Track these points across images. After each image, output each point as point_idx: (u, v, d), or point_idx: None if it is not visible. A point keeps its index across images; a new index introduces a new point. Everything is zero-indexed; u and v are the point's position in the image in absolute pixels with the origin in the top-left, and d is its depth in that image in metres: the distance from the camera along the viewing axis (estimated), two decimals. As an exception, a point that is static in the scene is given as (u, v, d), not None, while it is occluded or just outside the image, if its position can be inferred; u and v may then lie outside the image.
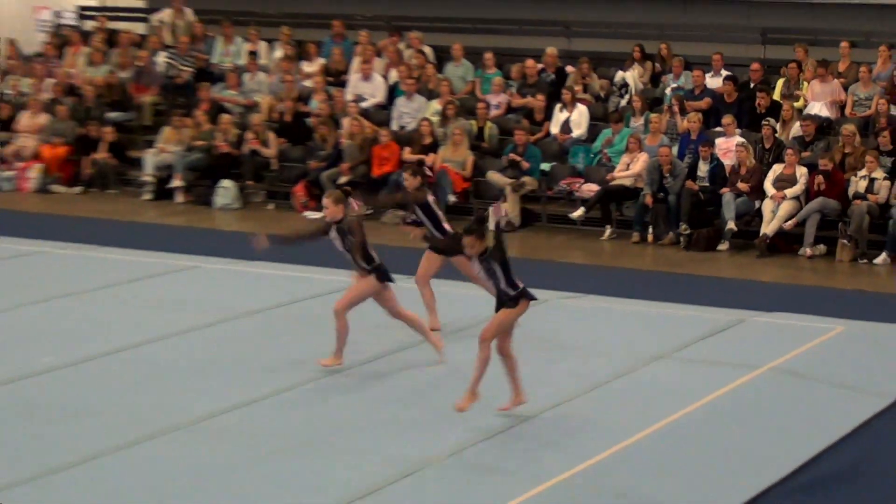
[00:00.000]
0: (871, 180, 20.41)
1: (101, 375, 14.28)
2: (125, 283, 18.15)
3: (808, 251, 20.46)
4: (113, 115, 26.23)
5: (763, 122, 21.82)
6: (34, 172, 25.57)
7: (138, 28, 29.15)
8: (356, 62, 25.44)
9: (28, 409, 13.13)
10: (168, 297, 17.48)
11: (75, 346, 15.16)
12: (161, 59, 27.04)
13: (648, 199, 21.40)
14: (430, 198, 15.80)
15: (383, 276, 14.25)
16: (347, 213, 14.22)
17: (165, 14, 28.02)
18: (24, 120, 26.25)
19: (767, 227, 20.68)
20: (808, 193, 20.63)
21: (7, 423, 12.82)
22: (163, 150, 24.92)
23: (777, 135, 21.67)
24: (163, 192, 24.61)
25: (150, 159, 24.94)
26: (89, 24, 29.64)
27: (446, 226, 15.69)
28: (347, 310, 14.20)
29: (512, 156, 22.72)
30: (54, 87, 26.76)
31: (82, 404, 13.30)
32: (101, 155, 25.30)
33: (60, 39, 28.86)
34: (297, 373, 14.01)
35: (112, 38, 28.05)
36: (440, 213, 15.80)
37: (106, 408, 13.22)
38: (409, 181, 15.95)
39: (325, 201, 14.20)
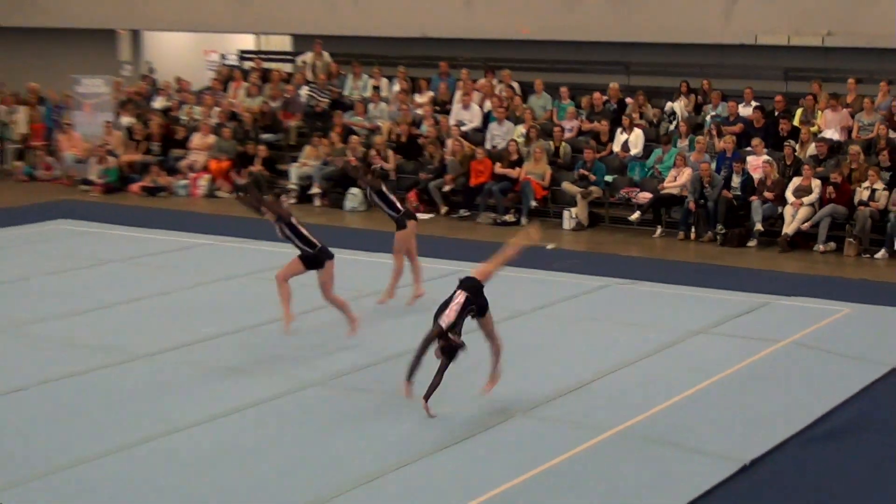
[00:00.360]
0: (873, 191, 20.29)
1: (252, 342, 14.33)
2: (270, 269, 18.18)
3: (821, 248, 20.30)
4: (266, 136, 26.35)
5: (785, 144, 21.70)
6: (203, 181, 25.74)
7: (286, 67, 29.24)
8: (458, 94, 25.42)
9: (196, 367, 13.22)
10: (305, 280, 17.48)
11: (231, 319, 15.22)
12: (304, 91, 27.13)
13: (692, 205, 21.25)
14: (384, 186, 16.12)
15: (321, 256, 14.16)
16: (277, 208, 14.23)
17: (308, 56, 28.12)
18: (196, 140, 26.43)
19: (788, 228, 20.53)
20: (822, 201, 20.52)
21: (181, 378, 12.90)
22: (304, 164, 25.01)
23: (796, 153, 21.47)
24: (304, 197, 24.70)
25: (295, 171, 25.04)
26: (248, 64, 29.79)
27: (399, 206, 16.15)
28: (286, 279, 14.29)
29: (582, 171, 22.64)
30: (220, 114, 26.91)
31: (237, 364, 13.37)
32: (256, 168, 25.41)
33: (225, 76, 29.02)
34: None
35: (265, 75, 28.19)
36: (392, 197, 16.13)
37: (255, 367, 13.26)
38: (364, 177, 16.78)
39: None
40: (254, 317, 15.33)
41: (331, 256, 14.29)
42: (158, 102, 28.46)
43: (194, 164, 26.10)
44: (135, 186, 26.01)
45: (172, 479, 10.10)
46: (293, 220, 14.24)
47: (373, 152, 24.38)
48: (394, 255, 16.15)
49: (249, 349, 13.97)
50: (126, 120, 27.67)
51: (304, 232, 14.22)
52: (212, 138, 26.29)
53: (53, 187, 26.69)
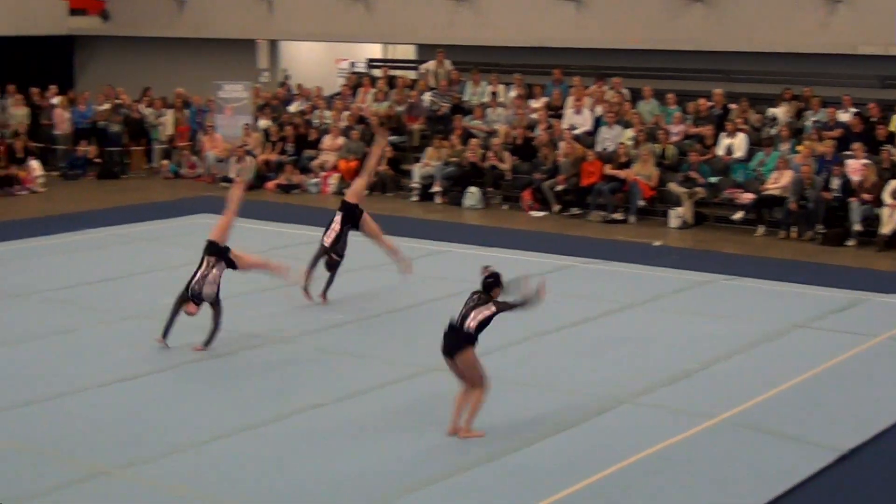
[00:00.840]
0: (967, 193, 19.76)
1: (375, 329, 14.33)
2: (391, 263, 18.22)
3: (917, 247, 19.80)
4: (391, 138, 26.40)
5: (882, 148, 21.19)
6: (333, 180, 25.87)
7: (411, 74, 29.29)
8: (570, 100, 25.23)
9: (325, 352, 13.24)
10: (425, 273, 17.49)
11: (356, 308, 15.25)
12: (427, 97, 27.13)
13: (793, 205, 20.82)
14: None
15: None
16: None
17: (431, 64, 28.12)
18: (327, 141, 26.58)
19: (885, 229, 20.02)
20: (918, 203, 19.97)
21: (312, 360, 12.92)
22: (426, 164, 25.01)
23: (893, 158, 20.91)
24: (426, 195, 24.69)
25: (417, 171, 25.06)
26: (375, 72, 29.90)
27: None
28: None
29: (690, 173, 22.32)
30: (349, 117, 27.02)
31: (359, 349, 13.37)
32: (382, 167, 25.48)
33: (354, 82, 29.16)
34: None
35: (392, 82, 28.25)
36: None
37: (378, 353, 13.23)
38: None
39: None
40: (377, 306, 15.37)
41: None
42: (293, 106, 28.68)
43: (325, 163, 26.27)
44: (270, 184, 26.24)
45: (299, 457, 10.13)
46: None
47: (490, 154, 24.32)
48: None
49: (373, 335, 13.98)
50: (263, 123, 27.93)
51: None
52: (341, 140, 26.43)
53: (196, 184, 27.04)
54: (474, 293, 10.61)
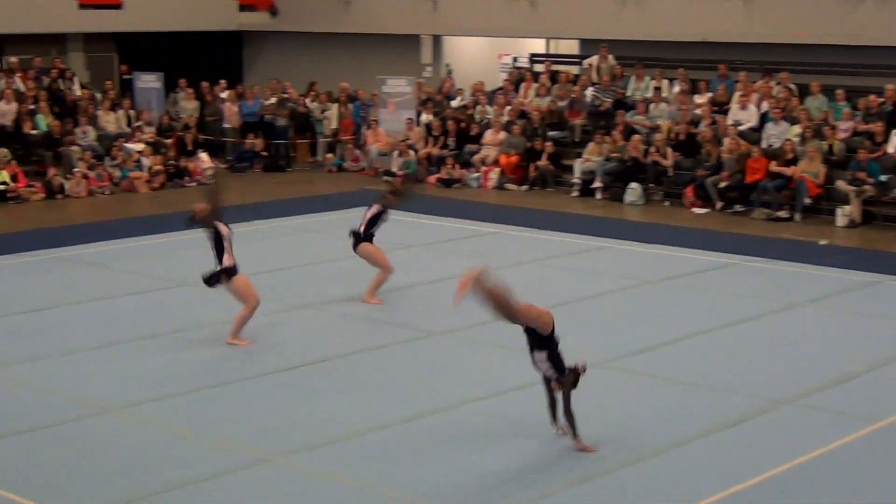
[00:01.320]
0: None
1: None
2: (558, 256, 18.31)
3: None
4: (552, 133, 26.47)
5: None
6: (494, 174, 26.04)
7: (573, 69, 29.27)
8: (736, 96, 24.92)
9: (480, 346, 13.38)
10: (587, 268, 17.54)
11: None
12: (589, 92, 27.10)
13: (966, 205, 20.23)
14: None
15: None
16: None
17: (593, 59, 28.06)
18: (489, 136, 26.76)
19: None
20: None
21: (468, 354, 13.08)
22: (587, 160, 25.00)
23: None
24: (586, 190, 24.67)
25: (578, 166, 25.06)
26: (538, 67, 29.94)
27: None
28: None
29: (858, 174, 21.86)
30: (510, 112, 27.16)
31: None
32: (543, 162, 25.57)
33: (516, 78, 29.27)
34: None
35: (554, 77, 28.28)
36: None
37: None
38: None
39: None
40: (537, 299, 15.38)
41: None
42: (456, 101, 28.94)
43: (486, 158, 26.45)
44: (432, 178, 26.54)
45: (452, 450, 10.30)
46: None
47: (652, 150, 24.20)
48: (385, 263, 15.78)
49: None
50: (426, 117, 28.26)
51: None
52: (503, 135, 26.58)
53: (359, 177, 27.48)
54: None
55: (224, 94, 29.83)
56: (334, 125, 29.38)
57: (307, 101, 29.70)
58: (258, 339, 13.68)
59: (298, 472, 9.73)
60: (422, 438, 10.54)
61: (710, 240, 19.76)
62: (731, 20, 26.87)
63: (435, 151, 27.26)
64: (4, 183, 23.92)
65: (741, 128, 24.05)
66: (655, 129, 25.20)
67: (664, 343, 13.49)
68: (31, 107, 26.72)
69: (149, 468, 9.83)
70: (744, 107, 24.55)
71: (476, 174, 26.29)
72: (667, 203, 23.80)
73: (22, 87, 27.51)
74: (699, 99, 25.59)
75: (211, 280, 13.46)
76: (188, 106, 29.30)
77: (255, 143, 28.73)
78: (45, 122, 26.44)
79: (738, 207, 22.85)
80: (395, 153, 27.17)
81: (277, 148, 29.11)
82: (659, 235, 19.99)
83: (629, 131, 25.13)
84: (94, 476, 9.68)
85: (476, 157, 26.58)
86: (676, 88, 26.13)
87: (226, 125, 29.42)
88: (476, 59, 33.16)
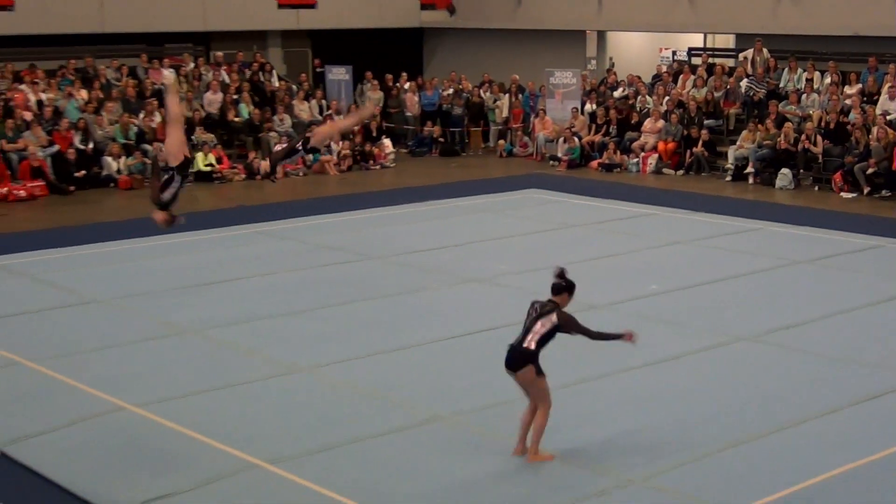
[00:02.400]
0: None
1: (690, 299, 14.26)
2: (713, 237, 18.03)
3: None
4: (708, 121, 26.00)
5: None
6: (652, 160, 25.73)
7: (729, 62, 28.70)
8: (885, 87, 24.11)
9: (643, 318, 13.31)
10: (740, 248, 17.22)
11: (674, 278, 15.22)
12: (743, 83, 26.53)
13: None
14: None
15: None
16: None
17: (749, 52, 27.44)
18: (648, 124, 26.43)
19: None
20: None
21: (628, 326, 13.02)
22: (741, 147, 24.52)
23: None
24: (739, 175, 24.20)
25: (732, 152, 24.60)
26: (695, 60, 29.44)
27: None
28: None
29: None
30: (669, 102, 26.77)
31: (677, 317, 13.33)
32: (699, 149, 25.16)
33: (675, 70, 28.84)
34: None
35: (710, 69, 27.76)
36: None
37: (693, 321, 13.19)
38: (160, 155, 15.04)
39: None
40: (693, 277, 15.27)
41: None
42: (617, 92, 28.66)
43: (645, 144, 26.16)
44: (594, 163, 26.36)
45: (613, 415, 10.26)
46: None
47: (803, 138, 23.60)
48: None
49: (687, 306, 13.93)
50: (590, 107, 28.06)
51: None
52: (661, 123, 26.22)
53: (527, 162, 27.47)
54: (536, 302, 9.17)
55: (406, 86, 30.13)
56: (505, 114, 29.39)
57: (481, 91, 29.77)
58: (431, 307, 13.80)
59: (470, 431, 9.81)
60: (583, 403, 10.51)
61: (858, 223, 19.19)
62: (881, 14, 25.98)
63: (597, 138, 27.07)
64: (210, 165, 24.64)
65: (889, 117, 23.26)
66: (807, 118, 24.55)
67: (813, 319, 13.19)
68: (235, 96, 27.37)
69: (336, 423, 10.03)
70: (892, 97, 23.74)
71: (635, 159, 26.03)
72: (816, 188, 23.19)
73: (227, 78, 28.22)
74: (849, 90, 24.84)
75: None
76: (373, 96, 29.65)
77: (433, 130, 28.97)
78: (246, 110, 27.07)
79: (884, 192, 22.12)
80: (561, 140, 27.07)
81: (453, 135, 29.28)
82: (808, 218, 19.50)
83: (781, 120, 24.55)
84: (289, 428, 9.92)
85: (636, 144, 26.31)
86: (827, 80, 25.40)
87: (407, 114, 29.74)
88: (637, 52, 32.79)
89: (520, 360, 8.86)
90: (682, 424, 9.97)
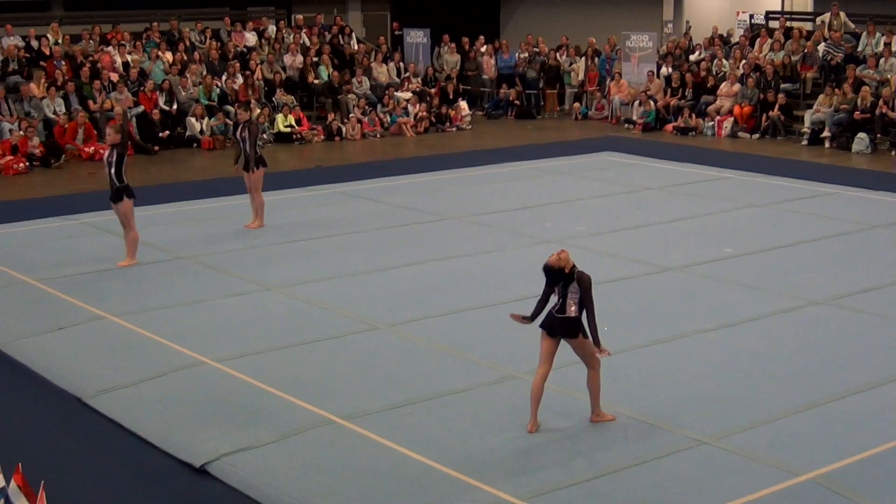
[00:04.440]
0: None
1: (765, 263, 14.03)
2: (788, 200, 17.70)
3: None
4: (784, 85, 25.50)
5: None
6: (728, 123, 25.33)
7: (806, 25, 28.12)
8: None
9: (718, 281, 13.12)
10: (815, 212, 16.89)
11: (749, 241, 14.98)
12: (821, 47, 25.97)
13: None
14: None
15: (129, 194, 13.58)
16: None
17: (826, 16, 26.87)
18: (724, 88, 25.98)
19: None
20: None
21: (706, 289, 12.84)
22: (818, 111, 24.02)
23: None
24: (815, 140, 23.73)
25: (808, 116, 24.11)
26: (773, 23, 28.88)
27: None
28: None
29: None
30: (745, 66, 26.28)
31: (752, 281, 13.13)
32: (775, 113, 24.71)
33: (753, 33, 28.31)
34: None
35: (787, 32, 27.21)
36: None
37: (767, 284, 12.97)
38: (241, 115, 15.78)
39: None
40: (768, 240, 15.01)
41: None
42: (694, 56, 28.22)
43: (721, 108, 25.74)
44: (669, 126, 26.03)
45: (686, 376, 10.13)
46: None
47: (880, 103, 23.03)
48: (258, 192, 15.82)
49: (762, 269, 13.70)
50: (665, 70, 27.67)
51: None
52: (737, 87, 25.77)
53: (602, 125, 27.21)
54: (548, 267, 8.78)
55: (483, 49, 29.93)
56: (581, 77, 29.09)
57: (557, 55, 29.49)
58: (509, 267, 13.73)
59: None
60: (656, 364, 10.39)
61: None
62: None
63: (673, 102, 26.69)
64: (291, 126, 24.70)
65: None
66: (884, 82, 23.97)
67: (889, 283, 12.90)
68: (315, 59, 27.41)
69: (413, 379, 10.02)
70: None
71: (711, 123, 25.63)
72: (893, 153, 22.66)
73: (307, 41, 28.25)
74: (929, 54, 24.21)
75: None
76: (451, 59, 29.50)
77: (509, 92, 28.78)
78: (326, 72, 27.09)
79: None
80: (636, 103, 26.74)
81: (529, 97, 29.07)
82: (885, 183, 19.07)
83: (858, 84, 23.99)
84: (365, 384, 9.93)
85: (711, 108, 25.90)
86: (906, 44, 24.77)
87: (484, 76, 29.56)
88: (714, 16, 32.25)
89: (572, 328, 8.74)
90: (756, 386, 9.81)
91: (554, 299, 8.82)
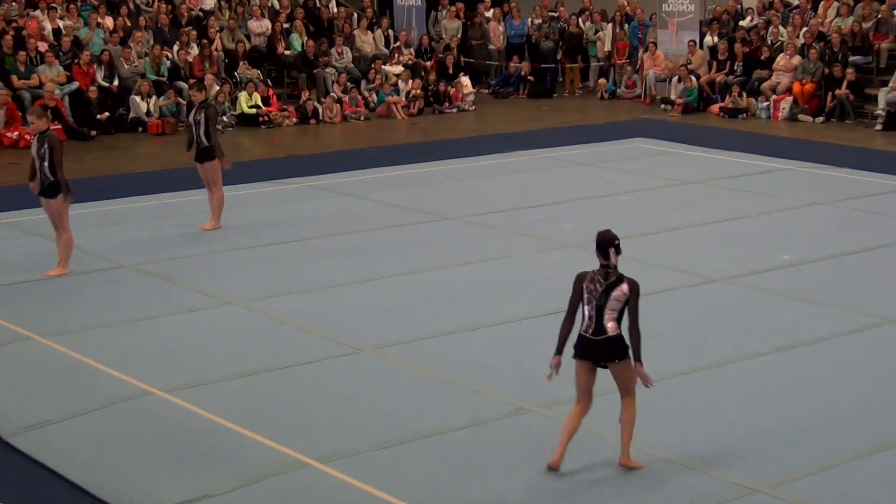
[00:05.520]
0: None
1: (828, 273, 14.05)
2: (859, 197, 17.73)
3: None
4: (854, 58, 25.56)
5: None
6: (786, 104, 25.41)
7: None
8: None
9: (774, 295, 13.13)
10: (888, 210, 16.92)
11: (809, 248, 15.00)
12: (897, 11, 26.11)
13: None
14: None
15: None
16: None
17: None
18: (781, 61, 26.06)
19: None
20: None
21: (758, 304, 12.87)
22: (893, 89, 24.09)
23: None
24: (892, 123, 23.77)
25: (883, 96, 24.20)
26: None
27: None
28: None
29: None
30: (807, 34, 26.36)
31: (813, 294, 13.15)
32: (842, 91, 24.78)
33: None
34: None
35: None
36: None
37: (831, 299, 12.98)
38: (195, 95, 16.07)
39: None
40: (835, 245, 15.03)
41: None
42: (744, 21, 28.29)
43: (777, 85, 25.80)
44: (714, 107, 26.09)
45: (735, 409, 10.12)
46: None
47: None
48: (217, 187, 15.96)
49: (826, 280, 13.71)
50: (710, 39, 27.73)
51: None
52: (797, 59, 25.84)
53: (634, 105, 27.27)
54: (587, 274, 8.82)
55: (489, 14, 29.98)
56: (608, 48, 29.16)
57: (579, 20, 29.55)
58: (519, 277, 13.74)
59: (560, 425, 9.72)
60: (700, 395, 10.39)
61: None
62: None
63: (719, 78, 26.75)
64: (257, 107, 24.71)
65: None
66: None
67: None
68: (285, 25, 27.44)
69: (402, 415, 10.00)
70: None
71: (765, 103, 25.70)
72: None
73: (276, 4, 28.28)
74: None
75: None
76: (450, 26, 29.57)
77: (520, 66, 28.83)
78: (299, 41, 27.14)
79: None
80: (675, 79, 26.79)
81: (545, 72, 29.12)
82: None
83: (944, 56, 24.08)
84: (345, 421, 9.91)
85: (766, 85, 25.96)
86: None
87: (490, 47, 29.62)
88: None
89: (616, 348, 8.71)
90: (819, 423, 9.82)
91: (585, 316, 8.75)
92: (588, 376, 8.82)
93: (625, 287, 8.70)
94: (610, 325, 8.68)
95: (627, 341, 8.73)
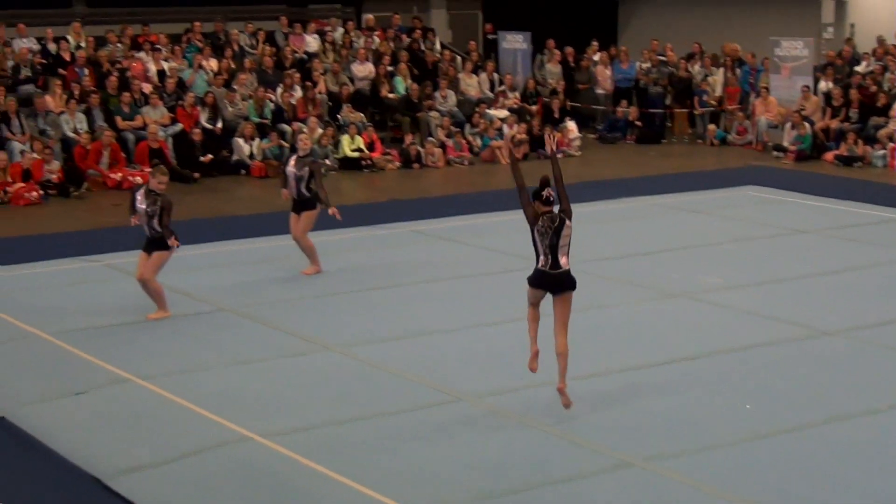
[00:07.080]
0: None
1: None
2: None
3: None
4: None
5: None
6: (909, 152, 25.13)
7: None
8: None
9: (884, 350, 12.92)
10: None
11: None
12: None
13: None
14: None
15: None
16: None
17: None
18: (899, 107, 25.78)
19: None
20: None
21: (874, 359, 12.67)
22: None
23: None
24: None
25: None
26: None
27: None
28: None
29: None
30: (925, 80, 26.06)
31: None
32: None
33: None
34: None
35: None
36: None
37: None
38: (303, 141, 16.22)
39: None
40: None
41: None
42: (861, 67, 28.00)
43: (894, 133, 25.47)
44: (829, 155, 25.80)
45: (854, 472, 9.91)
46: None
47: None
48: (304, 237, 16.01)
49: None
50: (825, 85, 27.48)
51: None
52: (915, 106, 25.53)
53: (744, 152, 27.06)
54: (540, 223, 10.58)
55: (596, 57, 30.00)
56: (718, 92, 29.01)
57: (689, 65, 29.45)
58: (624, 327, 13.67)
59: (663, 479, 9.65)
60: (810, 453, 10.23)
61: None
62: None
63: (834, 124, 26.49)
64: (359, 150, 24.88)
65: None
66: None
67: None
68: (389, 68, 27.66)
69: (512, 467, 9.96)
70: None
71: (882, 151, 25.37)
72: None
73: (380, 47, 28.49)
74: None
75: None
76: (555, 70, 29.62)
77: (628, 111, 28.78)
78: (403, 85, 27.35)
79: None
80: (788, 125, 26.58)
81: (653, 117, 29.04)
82: None
83: None
84: (447, 471, 9.90)
85: (883, 132, 25.65)
86: None
87: (597, 91, 29.60)
88: (886, 17, 31.90)
89: (567, 281, 10.58)
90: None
91: (540, 253, 10.57)
92: (539, 297, 10.82)
93: (568, 224, 10.53)
94: (563, 261, 10.56)
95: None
